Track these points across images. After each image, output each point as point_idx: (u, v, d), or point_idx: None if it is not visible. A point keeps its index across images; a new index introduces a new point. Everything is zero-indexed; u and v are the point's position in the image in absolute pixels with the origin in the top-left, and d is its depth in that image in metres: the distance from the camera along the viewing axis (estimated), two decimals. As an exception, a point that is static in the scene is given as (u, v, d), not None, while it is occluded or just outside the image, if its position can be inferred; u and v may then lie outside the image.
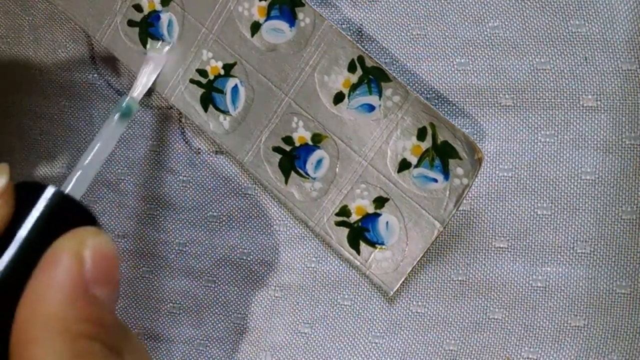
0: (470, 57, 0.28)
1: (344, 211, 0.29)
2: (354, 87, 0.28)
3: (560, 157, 0.28)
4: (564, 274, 0.28)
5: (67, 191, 0.24)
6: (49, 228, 0.20)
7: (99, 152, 0.26)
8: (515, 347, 0.28)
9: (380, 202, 0.28)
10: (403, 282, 0.28)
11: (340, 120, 0.28)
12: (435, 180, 0.27)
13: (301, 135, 0.29)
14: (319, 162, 0.29)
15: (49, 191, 0.21)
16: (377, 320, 0.30)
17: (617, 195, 0.27)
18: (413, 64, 0.29)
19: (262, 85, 0.29)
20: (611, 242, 0.27)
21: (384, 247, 0.28)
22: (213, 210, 0.31)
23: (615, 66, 0.27)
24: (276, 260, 0.31)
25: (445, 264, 0.29)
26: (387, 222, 0.28)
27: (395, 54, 0.29)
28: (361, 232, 0.29)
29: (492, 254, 0.28)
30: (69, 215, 0.21)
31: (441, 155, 0.27)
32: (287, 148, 0.29)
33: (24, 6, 0.33)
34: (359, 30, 0.29)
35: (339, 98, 0.28)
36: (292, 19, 0.28)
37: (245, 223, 0.31)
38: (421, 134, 0.27)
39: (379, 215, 0.28)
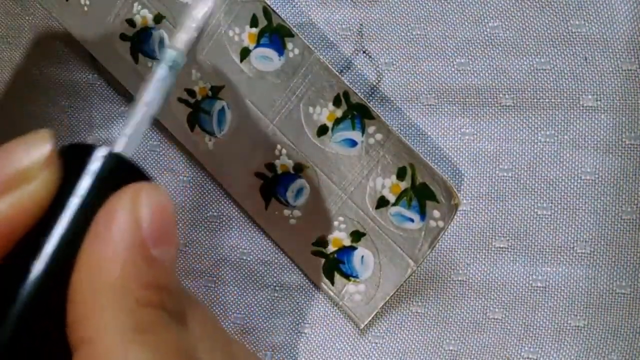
0: (470, 57, 0.28)
1: (320, 242, 0.29)
2: (337, 122, 0.28)
3: (560, 157, 0.28)
4: (564, 274, 0.28)
5: (119, 152, 0.21)
6: (104, 192, 0.18)
7: (147, 109, 0.23)
8: (515, 347, 0.28)
9: (356, 236, 0.28)
10: (377, 313, 0.29)
11: (322, 153, 0.28)
12: (412, 220, 0.27)
13: (284, 163, 0.29)
14: (300, 191, 0.29)
15: (101, 152, 0.18)
16: (377, 320, 0.30)
17: (617, 195, 0.27)
18: (413, 64, 0.29)
19: (248, 111, 0.29)
20: (611, 242, 0.27)
21: (357, 280, 0.29)
22: (213, 210, 0.31)
23: (615, 66, 0.27)
24: (276, 260, 0.30)
25: (445, 264, 0.29)
26: (362, 257, 0.28)
27: (395, 54, 0.29)
28: (336, 264, 0.29)
29: (492, 254, 0.28)
30: (123, 177, 0.18)
31: (419, 196, 0.27)
32: (269, 174, 0.29)
33: (24, 6, 0.33)
34: (359, 30, 0.29)
35: (322, 130, 0.28)
36: (281, 49, 0.28)
37: (245, 223, 0.31)
38: (401, 174, 0.27)
39: (354, 248, 0.28)
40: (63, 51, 0.33)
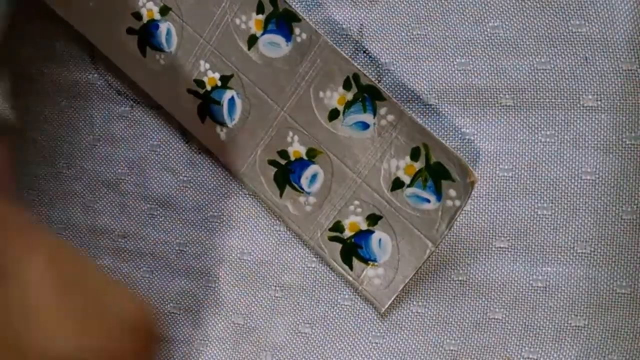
0: (470, 57, 0.28)
1: (337, 227, 0.29)
2: (348, 105, 0.28)
3: (560, 157, 0.28)
4: (564, 274, 0.28)
5: None
6: None
7: None
8: (515, 347, 0.28)
9: (373, 219, 0.28)
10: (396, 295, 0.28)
11: (334, 137, 0.28)
12: (428, 201, 0.27)
13: (296, 149, 0.29)
14: (314, 177, 0.29)
15: None
16: (377, 320, 0.29)
17: (617, 195, 0.27)
18: (413, 64, 0.29)
19: (259, 98, 0.29)
20: (611, 242, 0.27)
21: (376, 264, 0.28)
22: (213, 210, 0.31)
23: (615, 66, 0.27)
24: (276, 260, 0.30)
25: (445, 264, 0.29)
26: (380, 240, 0.28)
27: (395, 54, 0.29)
28: (354, 248, 0.29)
29: (493, 254, 0.28)
30: None
31: (434, 176, 0.27)
32: (282, 162, 0.29)
33: (25, 6, 0.33)
34: (359, 30, 0.29)
35: (334, 114, 0.28)
36: (288, 34, 0.28)
37: (245, 223, 0.31)
38: (415, 154, 0.27)
39: (372, 232, 0.28)
40: (63, 51, 0.33)
